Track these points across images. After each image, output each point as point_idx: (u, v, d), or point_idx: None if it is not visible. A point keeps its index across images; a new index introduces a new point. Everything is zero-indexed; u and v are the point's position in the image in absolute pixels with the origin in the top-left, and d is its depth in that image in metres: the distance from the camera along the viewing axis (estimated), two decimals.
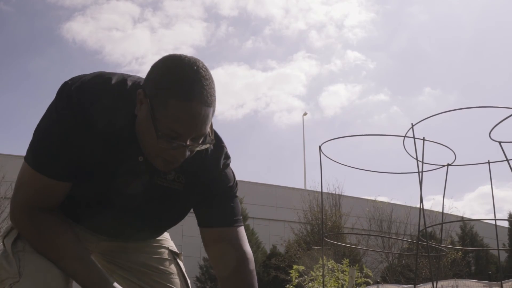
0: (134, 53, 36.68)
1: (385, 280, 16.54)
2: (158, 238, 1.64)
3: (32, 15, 32.78)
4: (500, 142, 2.67)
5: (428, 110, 39.11)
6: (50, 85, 34.55)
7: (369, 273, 5.24)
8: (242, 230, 1.45)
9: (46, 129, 1.26)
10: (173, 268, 1.60)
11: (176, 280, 1.58)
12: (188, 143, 1.18)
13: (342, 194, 17.51)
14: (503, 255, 21.37)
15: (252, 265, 1.42)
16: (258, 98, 38.13)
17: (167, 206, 1.40)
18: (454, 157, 3.00)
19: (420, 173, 2.45)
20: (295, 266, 5.14)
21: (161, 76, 1.17)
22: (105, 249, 1.56)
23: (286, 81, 39.02)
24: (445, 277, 14.39)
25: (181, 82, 1.14)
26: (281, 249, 17.42)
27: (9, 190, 11.45)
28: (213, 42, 35.96)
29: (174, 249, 1.64)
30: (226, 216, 1.42)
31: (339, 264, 5.00)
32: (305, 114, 28.91)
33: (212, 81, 1.19)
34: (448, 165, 2.91)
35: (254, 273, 1.42)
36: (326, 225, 16.50)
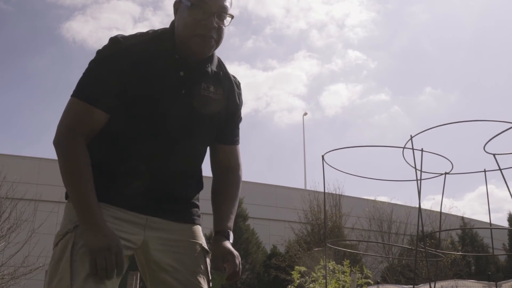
0: None
1: (385, 280, 16.57)
2: (194, 232, 1.70)
3: (32, 14, 32.80)
4: (494, 155, 2.75)
5: (429, 110, 39.11)
6: (51, 84, 34.58)
7: (369, 274, 5.26)
8: (238, 147, 1.84)
9: (89, 67, 1.59)
10: (201, 266, 1.67)
11: (202, 278, 1.65)
12: (214, 18, 1.54)
13: (342, 194, 17.53)
14: (503, 255, 21.39)
15: (241, 173, 1.84)
16: (258, 97, 38.19)
17: (206, 116, 1.66)
18: (452, 166, 3.06)
19: (419, 181, 2.49)
20: (296, 267, 5.16)
21: None
22: (146, 246, 1.62)
23: (287, 81, 39.07)
24: (445, 277, 14.42)
25: None
26: (282, 249, 17.44)
27: (10, 190, 11.46)
28: None
29: (205, 246, 1.73)
30: (236, 136, 1.82)
31: (339, 266, 5.02)
32: (305, 114, 28.97)
33: None
34: (446, 173, 2.97)
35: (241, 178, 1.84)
36: (327, 225, 16.52)
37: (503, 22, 39.51)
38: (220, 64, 1.74)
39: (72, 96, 1.58)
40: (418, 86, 40.93)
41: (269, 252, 17.72)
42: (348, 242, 16.87)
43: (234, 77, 1.79)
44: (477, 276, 17.28)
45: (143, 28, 34.13)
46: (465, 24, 40.25)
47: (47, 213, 15.02)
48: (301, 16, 39.01)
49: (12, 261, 10.96)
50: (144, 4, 36.05)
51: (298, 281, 5.07)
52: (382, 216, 18.45)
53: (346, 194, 17.83)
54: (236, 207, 1.78)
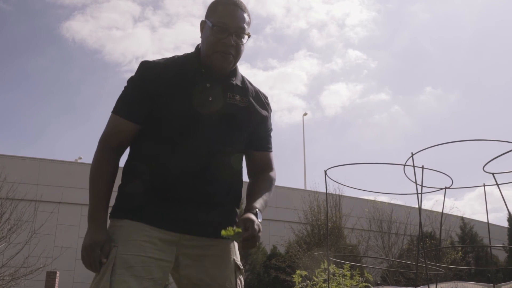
0: (135, 52, 36.70)
1: (385, 280, 16.58)
2: (227, 247, 1.80)
3: (32, 14, 32.80)
4: (493, 174, 2.80)
5: (429, 110, 39.11)
6: (50, 84, 34.57)
7: (370, 278, 5.27)
8: (272, 154, 1.98)
9: (125, 87, 1.80)
10: (232, 281, 1.78)
11: None
12: (233, 37, 1.73)
13: (342, 194, 17.53)
14: (503, 255, 21.41)
15: (275, 175, 1.96)
16: None
17: (236, 123, 1.80)
18: (451, 182, 3.11)
19: (420, 195, 2.52)
20: (298, 271, 5.18)
21: (212, 2, 1.82)
22: (178, 262, 1.73)
23: (287, 80, 39.10)
24: (445, 277, 14.43)
25: None
26: (282, 250, 17.45)
27: (10, 191, 11.47)
28: None
29: (239, 262, 1.84)
30: (268, 143, 1.95)
31: (340, 269, 5.03)
32: (305, 114, 28.98)
33: (245, 5, 1.81)
34: (446, 188, 3.02)
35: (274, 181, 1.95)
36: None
37: (504, 22, 39.52)
38: (245, 79, 1.91)
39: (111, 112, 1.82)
40: (419, 85, 40.96)
41: (269, 252, 17.73)
42: (348, 240, 16.86)
43: (260, 90, 1.96)
44: (477, 276, 17.31)
45: (142, 27, 34.16)
46: (465, 23, 40.27)
47: (47, 214, 15.04)
48: (302, 16, 39.05)
49: (13, 262, 10.97)
50: (144, 3, 36.05)
51: (299, 285, 5.08)
52: (382, 216, 18.47)
53: (346, 194, 17.84)
54: (268, 199, 1.87)
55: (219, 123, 1.77)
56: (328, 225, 16.86)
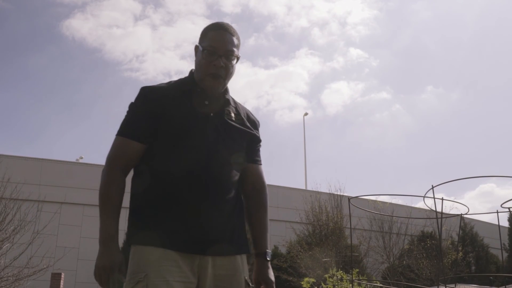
0: (135, 50, 36.70)
1: (384, 280, 16.63)
2: (239, 264, 1.89)
3: (32, 12, 32.77)
4: (510, 208, 2.94)
5: (430, 108, 39.16)
6: (50, 82, 34.55)
7: (377, 282, 5.31)
8: (261, 168, 2.12)
9: (127, 111, 1.91)
10: None
11: None
12: (222, 59, 1.87)
13: (344, 194, 17.57)
14: (503, 255, 21.48)
15: (267, 192, 2.13)
16: (260, 96, 38.20)
17: (230, 135, 1.93)
18: (467, 209, 3.24)
19: (439, 219, 2.62)
20: (306, 279, 5.23)
21: (204, 28, 1.98)
22: (199, 283, 1.81)
23: (288, 79, 39.11)
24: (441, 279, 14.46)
25: (215, 24, 1.96)
26: (283, 250, 17.48)
27: (14, 192, 11.49)
28: None
29: (247, 278, 1.94)
30: (258, 156, 2.08)
31: (348, 275, 5.08)
32: (305, 114, 28.98)
33: (234, 29, 1.96)
34: (462, 215, 3.15)
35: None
36: (328, 226, 16.57)
37: (505, 21, 39.55)
38: (235, 100, 2.07)
39: (115, 135, 1.91)
40: (420, 84, 41.02)
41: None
42: (348, 240, 16.90)
43: (247, 109, 2.12)
44: (478, 277, 17.37)
45: (143, 26, 34.12)
46: (467, 22, 40.29)
47: (50, 214, 15.07)
48: (303, 14, 39.06)
49: (16, 262, 11.00)
50: (145, 1, 36.02)
51: None
52: (383, 216, 18.52)
53: (347, 194, 17.90)
54: (267, 226, 2.10)
55: (221, 137, 1.89)
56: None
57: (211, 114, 1.90)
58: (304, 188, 23.38)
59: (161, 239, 1.75)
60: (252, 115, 2.10)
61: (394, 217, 18.26)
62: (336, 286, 4.77)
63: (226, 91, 1.99)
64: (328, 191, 18.00)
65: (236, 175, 1.95)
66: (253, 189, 2.06)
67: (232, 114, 1.97)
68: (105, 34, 34.19)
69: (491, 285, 10.97)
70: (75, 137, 34.71)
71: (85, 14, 33.46)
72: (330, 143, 40.52)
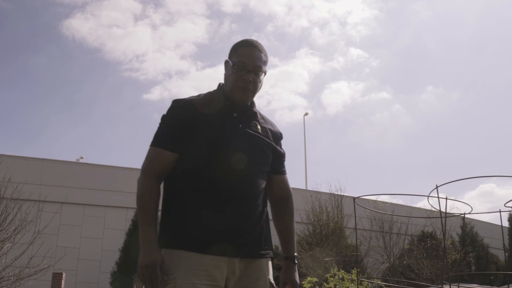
0: (135, 50, 36.72)
1: (385, 281, 16.66)
2: (264, 267, 2.00)
3: (32, 12, 32.81)
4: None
5: (431, 108, 39.20)
6: (50, 82, 34.59)
7: (378, 282, 5.34)
8: (287, 177, 2.26)
9: (160, 123, 2.03)
10: None
11: None
12: (251, 74, 1.99)
13: (344, 194, 17.60)
14: (503, 255, 21.50)
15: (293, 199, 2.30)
16: (259, 95, 37.88)
17: (258, 146, 2.04)
18: (471, 209, 3.29)
19: (443, 219, 2.65)
20: (308, 278, 5.25)
21: (234, 44, 2.10)
22: (227, 285, 1.90)
23: (288, 79, 39.14)
24: (445, 278, 14.49)
25: (245, 40, 2.09)
26: None
27: (15, 192, 11.51)
28: (215, 39, 35.99)
29: (272, 280, 2.03)
30: (283, 167, 2.21)
31: (349, 274, 5.10)
32: (306, 114, 29.00)
33: (262, 46, 2.11)
34: (464, 214, 3.19)
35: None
36: (328, 226, 16.60)
37: (505, 21, 39.59)
38: (261, 113, 2.20)
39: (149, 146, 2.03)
40: (420, 84, 41.05)
41: None
42: (350, 243, 16.94)
43: (272, 121, 2.23)
44: (479, 276, 17.38)
45: (143, 26, 34.15)
46: (467, 22, 40.33)
47: (51, 214, 15.10)
48: (303, 14, 39.10)
49: (18, 262, 11.03)
50: (145, 1, 36.03)
51: None
52: (384, 216, 18.54)
53: (347, 194, 17.92)
54: (294, 232, 2.28)
55: (248, 147, 2.00)
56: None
57: (240, 126, 2.01)
58: (304, 188, 23.39)
59: (190, 243, 1.85)
60: (276, 127, 2.21)
61: (394, 217, 18.30)
62: (338, 286, 4.80)
63: (253, 104, 2.12)
64: (328, 191, 18.04)
65: (263, 183, 2.05)
66: (281, 198, 2.22)
67: (259, 126, 2.09)
68: (105, 34, 34.23)
69: (492, 285, 11.00)
70: (75, 137, 34.76)
71: (85, 14, 33.50)
72: (330, 143, 40.59)
